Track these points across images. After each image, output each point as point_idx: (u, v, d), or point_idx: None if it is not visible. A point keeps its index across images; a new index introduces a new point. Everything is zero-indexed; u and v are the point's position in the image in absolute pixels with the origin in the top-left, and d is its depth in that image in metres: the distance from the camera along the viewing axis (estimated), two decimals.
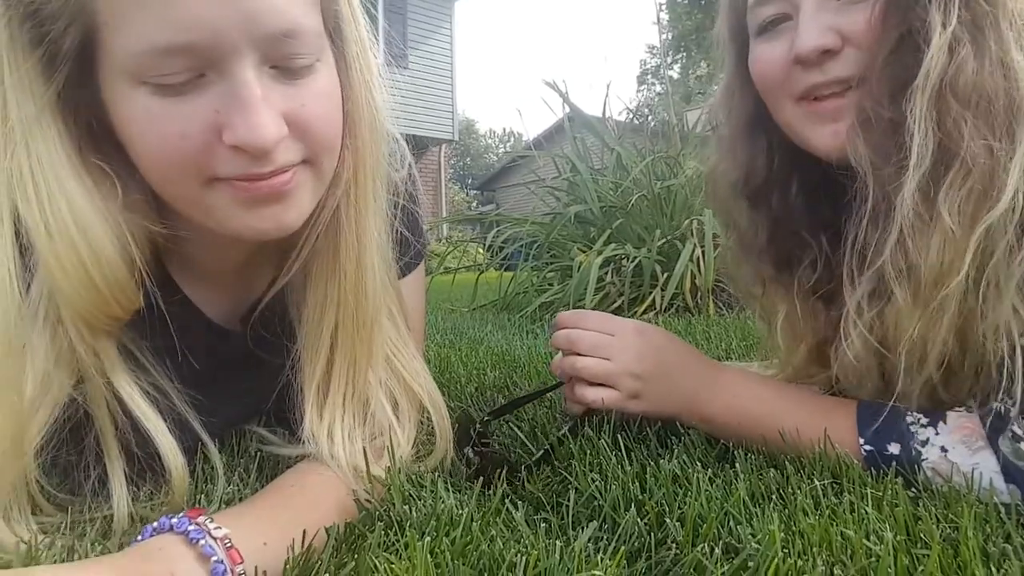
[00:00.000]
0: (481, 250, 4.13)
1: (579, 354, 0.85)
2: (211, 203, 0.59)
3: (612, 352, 0.83)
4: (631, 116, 3.97)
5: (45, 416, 0.58)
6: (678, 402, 0.82)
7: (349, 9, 0.65)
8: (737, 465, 0.70)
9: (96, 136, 0.58)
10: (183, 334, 0.68)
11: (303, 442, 0.68)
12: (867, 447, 0.70)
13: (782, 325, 0.88)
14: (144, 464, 0.65)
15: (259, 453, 0.78)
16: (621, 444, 0.77)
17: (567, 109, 3.46)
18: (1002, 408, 0.64)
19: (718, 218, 0.98)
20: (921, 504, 0.60)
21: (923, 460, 0.67)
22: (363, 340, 0.70)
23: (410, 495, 0.65)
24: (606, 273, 2.53)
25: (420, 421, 0.76)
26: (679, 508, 0.60)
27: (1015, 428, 0.63)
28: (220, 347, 0.74)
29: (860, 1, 0.68)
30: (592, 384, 0.83)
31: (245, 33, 0.53)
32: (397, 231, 0.77)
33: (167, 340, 0.67)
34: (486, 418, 0.91)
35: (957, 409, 0.68)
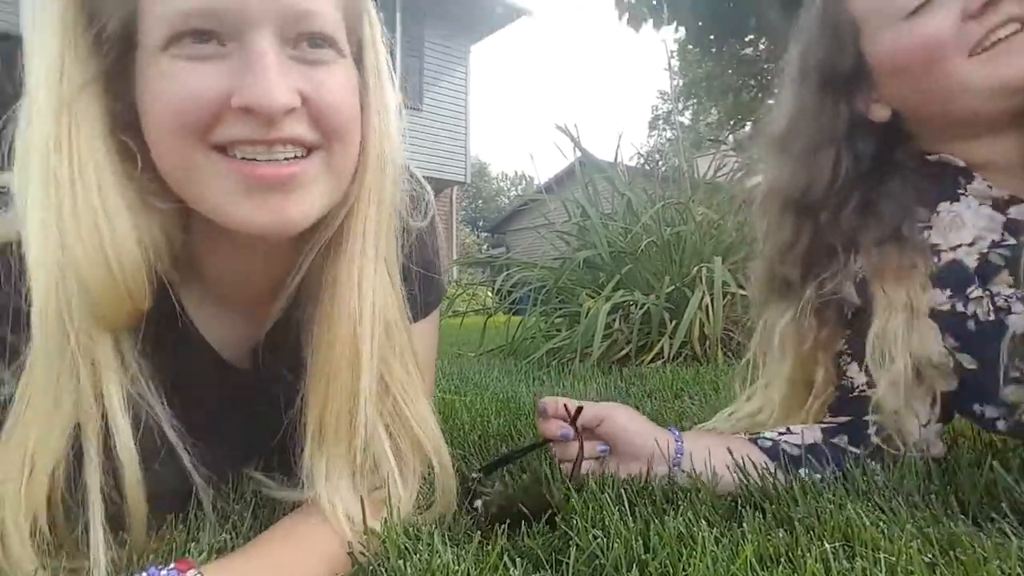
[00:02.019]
0: (490, 294, 4.13)
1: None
2: (209, 180, 0.58)
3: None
4: (642, 161, 4.00)
5: (57, 441, 0.57)
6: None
7: (372, 38, 0.68)
8: (744, 524, 0.67)
9: (128, 121, 0.60)
10: (187, 367, 0.67)
11: (300, 486, 0.67)
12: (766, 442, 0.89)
13: (784, 330, 0.96)
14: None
15: (254, 499, 0.77)
16: (625, 499, 0.75)
17: (578, 153, 3.50)
18: None
19: (759, 223, 1.03)
20: (938, 572, 0.58)
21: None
22: (364, 379, 0.67)
23: (406, 548, 0.63)
24: (614, 320, 2.52)
25: (424, 473, 0.74)
26: (684, 570, 0.58)
27: None
28: (224, 383, 0.73)
29: None
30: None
31: (266, 5, 0.56)
32: (412, 272, 0.76)
33: (170, 372, 0.66)
34: (476, 475, 0.89)
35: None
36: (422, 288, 0.80)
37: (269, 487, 0.73)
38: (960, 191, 0.88)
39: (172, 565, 0.51)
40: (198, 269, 0.69)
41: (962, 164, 0.87)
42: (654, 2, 7.15)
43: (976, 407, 0.86)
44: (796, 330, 0.96)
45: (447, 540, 0.66)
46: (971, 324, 0.83)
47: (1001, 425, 0.85)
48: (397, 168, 0.71)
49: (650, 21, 7.43)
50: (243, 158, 0.57)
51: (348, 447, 0.68)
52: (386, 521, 0.66)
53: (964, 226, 0.86)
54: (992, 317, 0.81)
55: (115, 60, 0.58)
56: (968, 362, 0.84)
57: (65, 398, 0.58)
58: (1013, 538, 0.63)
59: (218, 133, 0.57)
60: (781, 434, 0.93)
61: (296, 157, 0.59)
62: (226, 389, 0.73)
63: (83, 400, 0.59)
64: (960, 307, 0.84)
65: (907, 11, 0.83)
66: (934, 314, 0.85)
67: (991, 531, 0.66)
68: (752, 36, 7.44)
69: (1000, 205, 0.85)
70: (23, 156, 0.57)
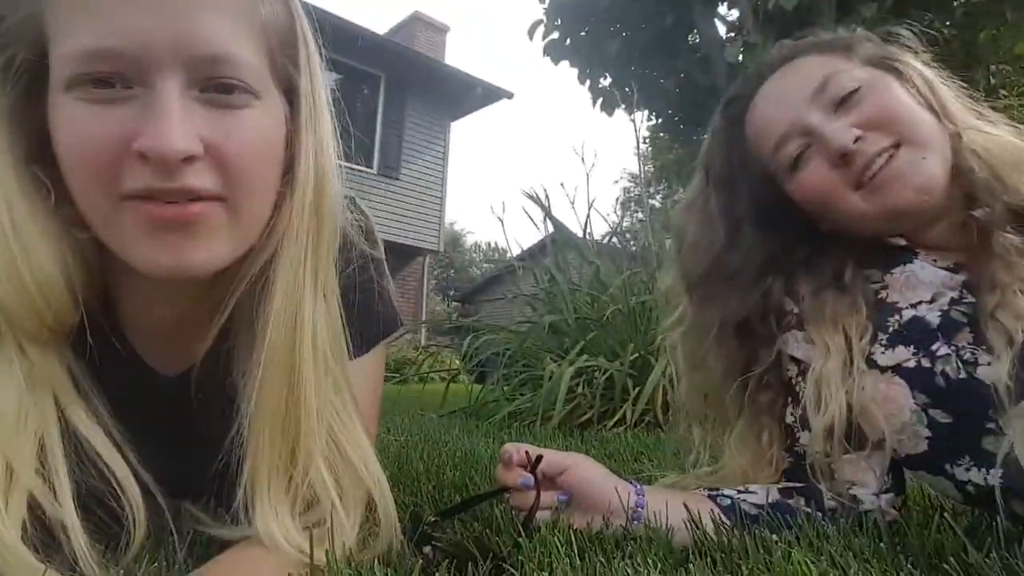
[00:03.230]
0: (458, 361, 4.11)
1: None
2: (119, 224, 0.57)
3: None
4: (611, 237, 4.08)
5: (32, 439, 0.58)
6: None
7: (308, 67, 0.66)
8: (691, 566, 0.67)
9: (44, 156, 0.59)
10: (124, 382, 0.66)
11: (239, 522, 0.65)
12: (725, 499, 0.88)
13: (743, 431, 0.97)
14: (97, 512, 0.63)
15: (191, 534, 0.74)
16: (575, 545, 0.73)
17: (548, 223, 3.57)
18: None
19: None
20: None
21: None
22: (302, 412, 0.66)
23: None
24: (577, 384, 2.52)
25: (367, 504, 0.72)
26: None
27: None
28: (160, 401, 0.71)
29: (850, 103, 0.85)
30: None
31: (172, 50, 0.54)
32: (355, 304, 0.76)
33: (106, 379, 0.65)
34: (433, 518, 0.87)
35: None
36: (365, 321, 0.79)
37: (205, 523, 0.71)
38: (912, 255, 0.90)
39: None
40: (117, 305, 0.69)
41: (903, 243, 0.91)
42: (627, 90, 7.49)
43: (948, 467, 0.83)
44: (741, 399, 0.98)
45: None
46: (940, 380, 0.81)
47: (971, 488, 0.82)
48: (335, 197, 0.69)
49: (622, 107, 7.77)
50: (145, 197, 0.56)
51: (288, 480, 0.67)
52: (328, 554, 0.64)
53: (920, 283, 0.87)
54: (963, 374, 0.80)
55: (23, 92, 0.58)
56: (942, 416, 0.82)
57: (24, 407, 0.58)
58: None
59: (124, 183, 0.56)
60: (740, 492, 0.92)
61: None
62: (162, 407, 0.71)
63: (46, 399, 0.59)
64: (926, 363, 0.83)
65: (788, 167, 0.90)
66: (900, 370, 0.85)
67: None
68: None
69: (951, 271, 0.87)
70: None
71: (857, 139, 0.82)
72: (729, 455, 1.00)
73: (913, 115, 0.84)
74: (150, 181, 0.55)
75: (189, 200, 0.57)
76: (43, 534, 0.58)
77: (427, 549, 0.78)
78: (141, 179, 0.55)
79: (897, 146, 0.83)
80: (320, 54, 0.69)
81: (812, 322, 0.92)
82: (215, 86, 0.57)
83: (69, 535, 0.58)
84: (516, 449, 0.90)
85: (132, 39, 0.53)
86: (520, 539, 0.76)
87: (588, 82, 7.92)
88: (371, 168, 11.12)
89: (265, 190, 0.63)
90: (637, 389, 2.44)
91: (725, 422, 1.02)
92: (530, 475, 0.87)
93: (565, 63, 7.80)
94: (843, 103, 0.85)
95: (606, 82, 7.94)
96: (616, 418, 2.37)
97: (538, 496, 0.86)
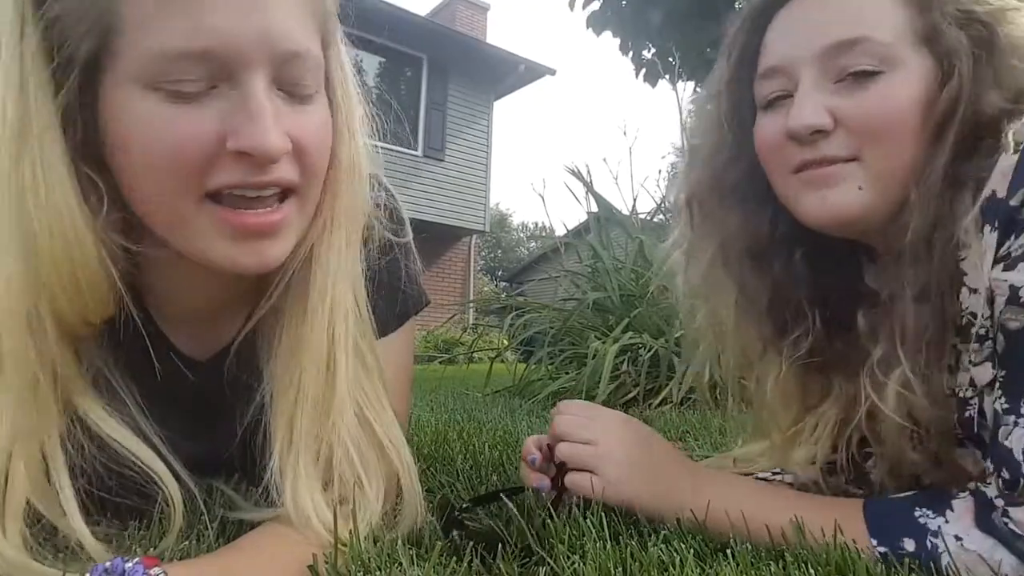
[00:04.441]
0: (506, 340, 4.12)
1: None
2: (197, 227, 0.58)
3: (594, 435, 0.80)
4: (655, 214, 4.00)
5: (35, 447, 0.57)
6: (661, 494, 0.77)
7: (337, 56, 0.67)
8: (729, 552, 0.63)
9: (87, 150, 0.58)
10: (154, 363, 0.67)
11: (269, 505, 0.65)
12: (880, 549, 0.64)
13: (773, 389, 0.86)
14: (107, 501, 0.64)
15: (222, 512, 0.74)
16: (606, 526, 0.71)
17: (590, 198, 3.51)
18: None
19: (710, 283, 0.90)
20: None
21: (940, 553, 0.61)
22: (334, 395, 0.67)
23: (374, 564, 0.60)
24: (622, 362, 2.48)
25: (391, 478, 0.72)
26: None
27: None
28: (188, 379, 0.72)
29: (857, 81, 0.69)
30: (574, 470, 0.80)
31: (261, 47, 0.55)
32: (383, 285, 0.75)
33: (135, 367, 0.66)
34: (466, 505, 0.86)
35: (960, 495, 0.64)
36: (390, 301, 0.79)
37: (236, 506, 0.72)
38: None
39: (138, 559, 0.50)
40: (155, 289, 0.70)
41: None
42: (670, 60, 7.27)
43: None
44: (785, 390, 0.87)
45: (414, 558, 0.63)
46: None
47: None
48: (366, 183, 0.72)
49: (666, 77, 7.54)
50: (233, 195, 0.58)
51: (316, 459, 0.67)
52: (352, 534, 0.63)
53: None
54: None
55: (77, 90, 0.56)
56: None
57: (33, 404, 0.58)
58: None
59: (212, 179, 0.56)
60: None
61: (276, 200, 0.60)
62: (195, 390, 0.72)
63: (49, 407, 0.59)
64: None
65: (761, 103, 0.77)
66: None
67: None
68: None
69: None
70: None
71: (817, 131, 0.69)
72: (764, 408, 0.90)
73: (898, 139, 0.68)
74: (243, 176, 0.57)
75: (272, 195, 0.59)
76: (57, 541, 0.59)
77: (454, 534, 0.77)
78: (233, 175, 0.57)
79: (852, 159, 0.69)
80: (344, 39, 0.69)
81: (831, 365, 0.82)
82: (293, 81, 0.59)
83: (78, 539, 0.58)
84: (539, 446, 0.86)
85: (222, 38, 0.53)
86: (549, 522, 0.74)
87: (631, 52, 7.72)
88: (416, 150, 11.16)
89: (322, 179, 0.65)
90: (684, 367, 2.39)
91: (745, 357, 0.89)
92: (547, 480, 0.84)
93: (607, 34, 7.61)
94: (851, 78, 0.69)
95: (649, 53, 7.73)
96: (661, 396, 2.32)
97: (559, 496, 0.84)
